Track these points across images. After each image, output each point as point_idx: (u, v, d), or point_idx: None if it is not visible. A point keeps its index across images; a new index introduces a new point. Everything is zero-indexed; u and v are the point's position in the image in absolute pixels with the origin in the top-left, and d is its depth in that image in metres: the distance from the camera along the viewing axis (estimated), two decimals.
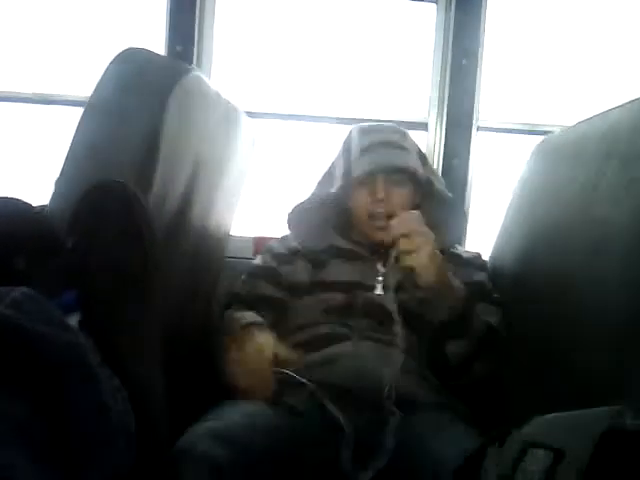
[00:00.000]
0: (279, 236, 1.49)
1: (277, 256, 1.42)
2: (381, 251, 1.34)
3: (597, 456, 0.41)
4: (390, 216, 1.30)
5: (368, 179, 1.36)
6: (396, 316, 1.19)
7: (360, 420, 1.05)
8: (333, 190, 1.42)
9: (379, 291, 1.30)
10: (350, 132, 1.46)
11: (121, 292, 0.74)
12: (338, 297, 1.29)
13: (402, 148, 1.39)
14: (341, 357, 1.16)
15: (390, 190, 1.35)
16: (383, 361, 1.13)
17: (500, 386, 1.26)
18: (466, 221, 1.51)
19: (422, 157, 1.46)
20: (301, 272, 1.37)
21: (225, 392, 1.13)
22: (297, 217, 1.46)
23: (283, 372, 1.13)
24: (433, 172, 1.48)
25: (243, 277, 1.41)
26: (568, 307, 1.08)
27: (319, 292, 1.32)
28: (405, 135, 1.44)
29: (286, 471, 0.95)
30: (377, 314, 1.24)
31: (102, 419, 0.58)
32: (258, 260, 1.44)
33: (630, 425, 0.42)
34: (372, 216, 1.36)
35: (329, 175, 1.47)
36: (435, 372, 1.24)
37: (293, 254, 1.41)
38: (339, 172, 1.43)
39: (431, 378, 1.20)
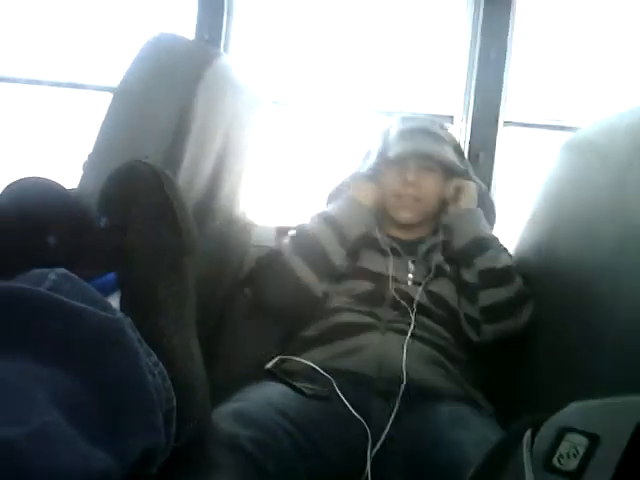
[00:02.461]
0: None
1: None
2: (413, 247, 1.38)
3: (634, 443, 0.41)
4: (418, 199, 1.38)
5: (401, 162, 1.38)
6: (424, 305, 1.22)
7: (375, 409, 1.06)
8: (366, 170, 1.44)
9: (409, 284, 1.31)
10: (390, 121, 1.49)
11: (157, 270, 0.75)
12: (367, 285, 1.29)
13: (439, 137, 1.42)
14: (366, 347, 1.16)
15: (421, 175, 1.38)
16: (406, 352, 1.13)
17: (521, 382, 1.26)
18: (494, 216, 1.51)
19: (459, 151, 1.48)
20: (336, 255, 1.34)
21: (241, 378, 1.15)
22: (335, 198, 1.46)
23: (305, 362, 1.14)
24: (469, 166, 1.50)
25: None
26: (593, 303, 1.07)
27: (349, 278, 1.32)
28: (444, 126, 1.48)
29: (306, 452, 0.95)
30: (405, 305, 1.24)
31: (140, 392, 0.59)
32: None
33: None
34: (399, 196, 1.39)
35: (366, 158, 1.49)
36: (466, 327, 1.28)
37: None
38: (374, 154, 1.45)
39: (454, 371, 1.19)
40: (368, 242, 1.38)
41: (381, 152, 1.43)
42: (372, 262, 1.34)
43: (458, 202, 1.40)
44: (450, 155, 1.42)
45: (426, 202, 1.41)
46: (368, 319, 1.22)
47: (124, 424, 0.57)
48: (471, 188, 1.42)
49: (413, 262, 1.36)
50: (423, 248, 1.38)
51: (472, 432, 0.97)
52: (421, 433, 1.01)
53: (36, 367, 0.53)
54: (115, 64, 1.80)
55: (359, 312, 1.24)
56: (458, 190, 1.41)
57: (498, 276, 1.27)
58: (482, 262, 1.29)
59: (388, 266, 1.33)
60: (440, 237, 1.41)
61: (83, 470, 0.49)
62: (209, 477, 0.78)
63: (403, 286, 1.29)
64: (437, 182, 1.42)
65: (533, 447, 0.45)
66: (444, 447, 0.95)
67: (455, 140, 1.49)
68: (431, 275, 1.31)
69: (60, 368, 0.55)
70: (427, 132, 1.41)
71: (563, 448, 0.43)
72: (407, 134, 1.40)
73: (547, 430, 0.45)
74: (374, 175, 1.44)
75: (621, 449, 0.41)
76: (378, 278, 1.30)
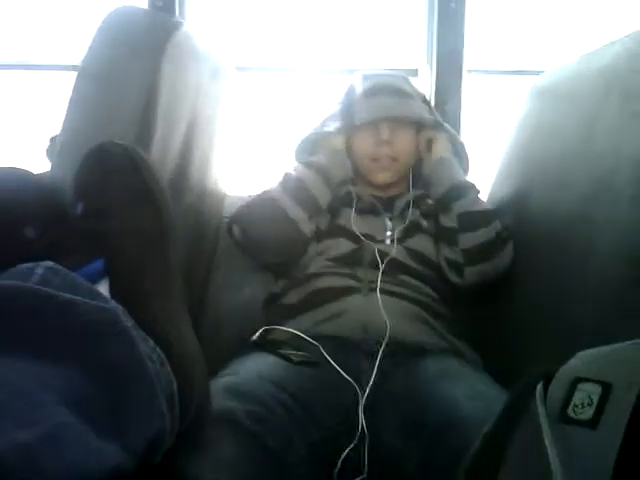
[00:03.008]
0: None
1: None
2: (389, 204, 1.38)
3: None
4: (394, 159, 1.37)
5: (371, 123, 1.37)
6: (403, 263, 1.22)
7: (364, 370, 1.06)
8: (334, 131, 1.42)
9: (387, 240, 1.32)
10: (353, 79, 1.47)
11: (141, 251, 0.73)
12: (346, 245, 1.29)
13: (404, 93, 1.40)
14: (349, 310, 1.16)
15: (394, 133, 1.37)
16: (389, 311, 1.14)
17: (505, 333, 1.28)
18: (468, 162, 1.51)
19: (426, 102, 1.47)
20: (322, 195, 1.35)
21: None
22: (303, 153, 1.47)
23: (290, 331, 1.14)
24: (438, 116, 1.49)
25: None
26: (571, 244, 1.09)
27: (329, 237, 1.33)
28: (408, 80, 1.46)
29: (301, 420, 0.95)
30: (385, 264, 1.24)
31: (141, 379, 0.58)
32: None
33: None
34: (375, 159, 1.39)
35: (330, 119, 1.46)
36: (448, 273, 1.31)
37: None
38: (341, 115, 1.43)
39: (438, 326, 1.20)
40: (345, 201, 1.38)
41: (346, 114, 1.41)
42: (349, 221, 1.34)
43: (432, 153, 1.41)
44: (419, 109, 1.41)
45: (402, 160, 1.41)
46: (349, 281, 1.22)
47: (129, 413, 0.57)
48: (443, 138, 1.43)
49: (390, 219, 1.36)
50: (399, 205, 1.39)
51: (463, 385, 0.98)
52: (411, 390, 1.02)
53: (36, 365, 0.52)
54: (71, 41, 1.74)
55: (339, 275, 1.24)
56: (430, 141, 1.41)
57: (477, 218, 1.28)
58: (460, 206, 1.30)
59: (366, 225, 1.33)
60: (416, 192, 1.41)
61: (97, 466, 0.48)
62: (210, 455, 0.78)
63: (382, 245, 1.29)
64: (410, 138, 1.41)
65: (547, 400, 0.46)
66: (436, 402, 0.96)
67: (420, 92, 1.48)
68: (405, 227, 1.33)
69: (60, 363, 0.54)
70: (392, 89, 1.39)
71: (577, 398, 0.44)
72: (372, 94, 1.38)
73: (559, 382, 0.46)
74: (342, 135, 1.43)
75: (634, 394, 0.42)
76: (356, 237, 1.30)
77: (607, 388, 0.43)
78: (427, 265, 1.30)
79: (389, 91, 1.39)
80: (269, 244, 1.33)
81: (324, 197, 1.35)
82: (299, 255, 1.33)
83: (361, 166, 1.43)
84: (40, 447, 0.44)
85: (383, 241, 1.32)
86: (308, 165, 1.37)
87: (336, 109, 1.47)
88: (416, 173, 1.46)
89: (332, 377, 1.04)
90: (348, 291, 1.20)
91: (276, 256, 1.35)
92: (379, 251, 1.26)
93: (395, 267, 1.25)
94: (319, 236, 1.34)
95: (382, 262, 1.24)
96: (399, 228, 1.33)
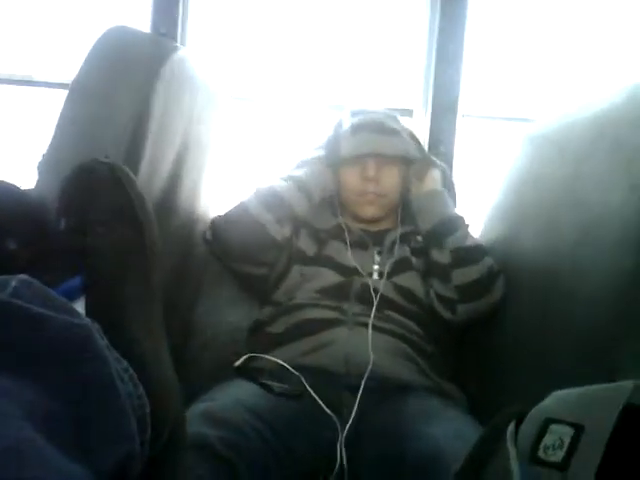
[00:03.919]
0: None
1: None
2: (378, 238, 1.38)
3: (618, 432, 0.41)
4: (381, 195, 1.38)
5: (359, 159, 1.37)
6: (390, 298, 1.24)
7: (345, 404, 1.05)
8: (318, 168, 1.42)
9: (375, 275, 1.31)
10: (341, 115, 1.47)
11: (121, 271, 0.73)
12: (333, 277, 1.29)
13: (391, 130, 1.39)
14: (334, 343, 1.16)
15: (381, 170, 1.37)
16: (373, 346, 1.13)
17: (490, 371, 1.27)
18: (455, 197, 1.52)
19: (414, 138, 1.48)
20: (304, 242, 1.37)
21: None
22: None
23: (274, 360, 1.13)
24: (425, 151, 1.51)
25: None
26: (558, 286, 1.09)
27: (316, 265, 1.32)
28: (395, 118, 1.45)
29: (277, 451, 0.95)
30: (371, 299, 1.24)
31: (112, 399, 0.57)
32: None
33: None
34: (362, 194, 1.38)
35: (317, 151, 1.47)
36: (439, 308, 1.30)
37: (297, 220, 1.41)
38: (327, 149, 1.44)
39: (422, 364, 1.19)
40: (334, 233, 1.38)
41: (332, 148, 1.42)
42: (338, 253, 1.34)
43: (424, 185, 1.40)
44: (404, 144, 1.40)
45: (389, 196, 1.41)
46: (334, 314, 1.22)
47: (97, 433, 0.55)
48: (432, 171, 1.43)
49: (379, 253, 1.36)
50: (388, 240, 1.38)
51: (444, 425, 0.97)
52: (392, 427, 1.01)
53: (2, 379, 0.51)
54: (67, 59, 1.75)
55: (325, 307, 1.23)
56: (419, 175, 1.41)
57: (470, 254, 1.28)
58: (453, 241, 1.30)
59: (354, 257, 1.33)
60: (405, 228, 1.41)
61: None
62: None
63: (369, 279, 1.28)
64: (397, 174, 1.41)
65: (517, 440, 0.45)
66: (415, 441, 0.94)
67: (407, 128, 1.48)
68: (394, 262, 1.32)
69: (27, 379, 0.52)
70: (378, 126, 1.39)
71: (548, 439, 0.43)
72: (358, 130, 1.38)
73: (531, 422, 0.45)
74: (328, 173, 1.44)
75: (606, 437, 0.41)
76: (344, 270, 1.30)
77: (579, 430, 0.42)
78: (415, 302, 1.29)
79: (374, 128, 1.38)
80: (236, 246, 1.35)
81: (300, 204, 1.37)
82: (272, 262, 1.35)
83: (348, 200, 1.43)
84: (1, 460, 0.43)
85: (371, 274, 1.31)
86: (285, 178, 1.39)
87: (322, 143, 1.47)
88: (406, 208, 1.45)
89: (313, 409, 1.04)
90: (333, 324, 1.19)
91: (247, 262, 1.37)
92: (366, 285, 1.26)
93: (383, 303, 1.24)
94: (305, 260, 1.33)
95: (373, 296, 1.24)
96: (388, 263, 1.32)
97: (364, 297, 1.24)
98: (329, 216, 1.44)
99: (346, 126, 1.41)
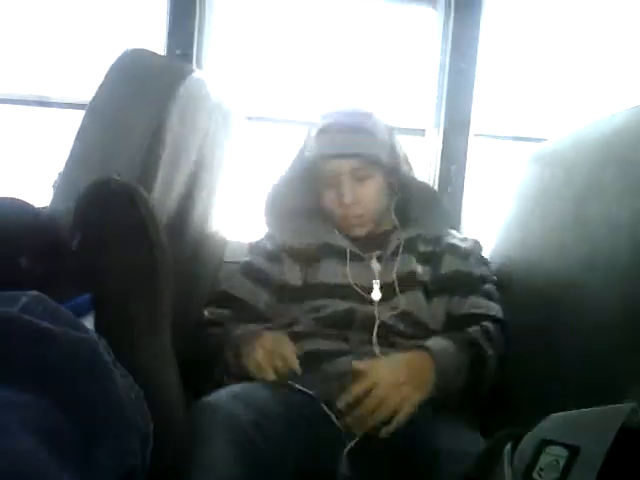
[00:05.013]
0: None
1: (266, 254, 1.36)
2: (377, 243, 1.32)
3: (613, 454, 0.41)
4: (364, 215, 1.31)
5: (333, 180, 1.29)
6: (392, 325, 1.21)
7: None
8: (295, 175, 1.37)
9: (376, 293, 1.26)
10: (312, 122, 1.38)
11: (131, 289, 0.74)
12: (333, 306, 1.24)
13: (361, 129, 1.30)
14: (342, 376, 1.10)
15: (357, 189, 1.29)
16: None
17: (500, 390, 1.26)
18: (449, 206, 1.48)
19: (392, 137, 1.36)
20: (291, 273, 1.31)
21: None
22: (276, 207, 1.39)
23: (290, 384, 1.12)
24: (401, 156, 1.36)
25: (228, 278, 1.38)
26: (567, 308, 1.09)
27: (312, 298, 1.26)
28: (369, 115, 1.34)
29: (298, 437, 0.98)
30: (377, 327, 1.20)
31: (115, 415, 0.58)
32: (247, 259, 1.38)
33: None
34: (343, 218, 1.33)
35: (294, 163, 1.40)
36: None
37: (280, 251, 1.35)
38: (300, 161, 1.37)
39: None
40: (326, 250, 1.32)
41: (299, 159, 1.36)
42: (333, 274, 1.28)
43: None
44: (377, 144, 1.30)
45: (375, 206, 1.33)
46: (338, 344, 1.19)
47: (99, 449, 0.56)
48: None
49: (379, 259, 1.31)
50: (391, 245, 1.32)
51: (454, 439, 0.97)
52: (400, 441, 1.01)
53: (6, 391, 0.52)
54: (83, 80, 1.79)
55: (328, 337, 1.20)
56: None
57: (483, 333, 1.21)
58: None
59: (350, 273, 1.27)
60: (409, 232, 1.35)
61: None
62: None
63: (369, 307, 1.23)
64: (377, 181, 1.31)
65: (513, 460, 0.45)
66: (423, 454, 0.95)
67: (385, 126, 1.36)
68: (396, 277, 1.26)
69: (32, 392, 0.54)
70: (348, 126, 1.29)
71: (543, 460, 0.43)
72: (324, 131, 1.29)
73: (527, 443, 0.45)
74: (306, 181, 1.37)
75: (601, 459, 0.41)
76: (342, 294, 1.25)
77: (575, 452, 0.42)
78: (417, 326, 1.24)
79: (341, 128, 1.29)
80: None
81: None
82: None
83: (332, 215, 1.35)
84: None
85: (371, 288, 1.26)
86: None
87: (298, 153, 1.40)
88: (400, 202, 1.38)
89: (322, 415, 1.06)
90: (337, 354, 1.17)
91: None
92: (369, 314, 1.22)
93: (385, 329, 1.21)
94: (303, 294, 1.28)
95: (376, 323, 1.20)
96: (390, 276, 1.27)
97: (367, 324, 1.20)
98: (316, 228, 1.37)
99: (313, 132, 1.33)
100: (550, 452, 0.43)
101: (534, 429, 0.46)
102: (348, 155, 1.28)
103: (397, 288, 1.26)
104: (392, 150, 1.34)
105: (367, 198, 1.30)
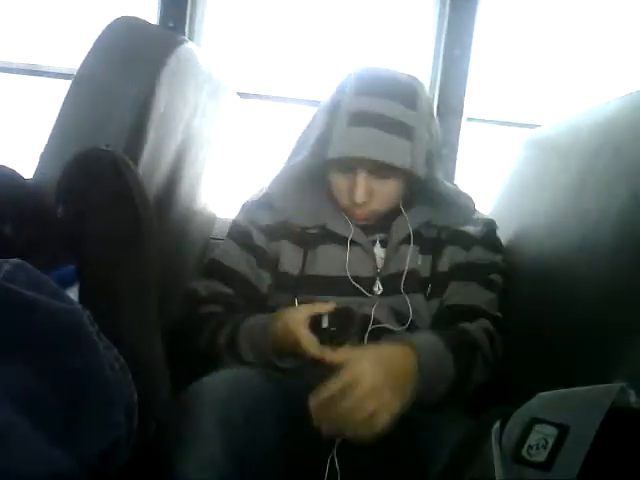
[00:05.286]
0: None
1: (265, 229, 1.22)
2: (381, 227, 1.19)
3: (602, 433, 0.41)
4: (374, 210, 1.17)
5: (348, 170, 1.12)
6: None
7: None
8: (304, 158, 1.16)
9: (377, 287, 1.17)
10: (347, 78, 1.15)
11: (116, 259, 0.73)
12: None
13: (402, 128, 1.09)
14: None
15: (373, 186, 1.13)
16: None
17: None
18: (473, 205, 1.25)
19: (434, 130, 1.18)
20: (288, 258, 1.19)
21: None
22: (283, 183, 1.21)
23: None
24: (435, 162, 1.16)
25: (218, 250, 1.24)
26: (555, 292, 1.09)
27: (307, 292, 1.15)
28: (413, 97, 1.12)
29: (289, 428, 0.94)
30: (371, 329, 1.13)
31: (99, 386, 0.57)
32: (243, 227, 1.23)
33: (635, 403, 0.42)
34: (348, 208, 1.18)
35: (304, 141, 1.19)
36: None
37: (279, 228, 1.21)
38: (319, 132, 1.14)
39: None
40: (325, 235, 1.20)
41: (323, 136, 1.13)
42: (331, 263, 1.17)
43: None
44: (413, 153, 1.09)
45: (383, 210, 1.18)
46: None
47: (83, 420, 0.55)
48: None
49: (382, 243, 1.19)
50: (396, 235, 1.18)
51: (447, 422, 0.96)
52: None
53: None
54: (74, 49, 1.76)
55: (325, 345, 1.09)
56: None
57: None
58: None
59: (349, 263, 1.16)
60: (417, 219, 1.20)
61: (45, 472, 0.47)
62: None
63: (367, 308, 1.13)
64: (396, 186, 1.15)
65: (502, 439, 0.45)
66: (417, 439, 0.94)
67: (423, 109, 1.14)
68: (398, 276, 1.15)
69: (15, 363, 0.52)
70: (386, 119, 1.08)
71: (532, 439, 0.43)
72: (356, 123, 1.09)
73: (516, 421, 0.45)
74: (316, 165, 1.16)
75: (590, 438, 0.41)
76: (341, 290, 1.15)
77: (564, 431, 0.42)
78: (414, 329, 1.15)
79: (376, 121, 1.08)
80: None
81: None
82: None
83: (338, 200, 1.19)
84: None
85: (371, 288, 1.16)
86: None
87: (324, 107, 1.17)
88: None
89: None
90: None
91: None
92: (366, 314, 1.12)
93: (380, 331, 1.13)
94: (297, 285, 1.17)
95: (369, 326, 1.12)
96: (394, 267, 1.17)
97: (362, 325, 1.10)
98: (317, 207, 1.22)
99: (344, 108, 1.11)
100: (539, 430, 0.43)
101: (522, 408, 0.46)
102: (374, 164, 1.10)
103: (402, 286, 1.16)
104: (429, 157, 1.14)
105: (381, 199, 1.15)
